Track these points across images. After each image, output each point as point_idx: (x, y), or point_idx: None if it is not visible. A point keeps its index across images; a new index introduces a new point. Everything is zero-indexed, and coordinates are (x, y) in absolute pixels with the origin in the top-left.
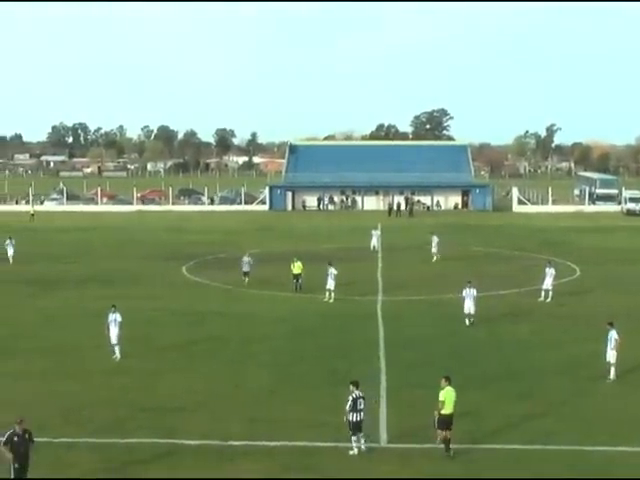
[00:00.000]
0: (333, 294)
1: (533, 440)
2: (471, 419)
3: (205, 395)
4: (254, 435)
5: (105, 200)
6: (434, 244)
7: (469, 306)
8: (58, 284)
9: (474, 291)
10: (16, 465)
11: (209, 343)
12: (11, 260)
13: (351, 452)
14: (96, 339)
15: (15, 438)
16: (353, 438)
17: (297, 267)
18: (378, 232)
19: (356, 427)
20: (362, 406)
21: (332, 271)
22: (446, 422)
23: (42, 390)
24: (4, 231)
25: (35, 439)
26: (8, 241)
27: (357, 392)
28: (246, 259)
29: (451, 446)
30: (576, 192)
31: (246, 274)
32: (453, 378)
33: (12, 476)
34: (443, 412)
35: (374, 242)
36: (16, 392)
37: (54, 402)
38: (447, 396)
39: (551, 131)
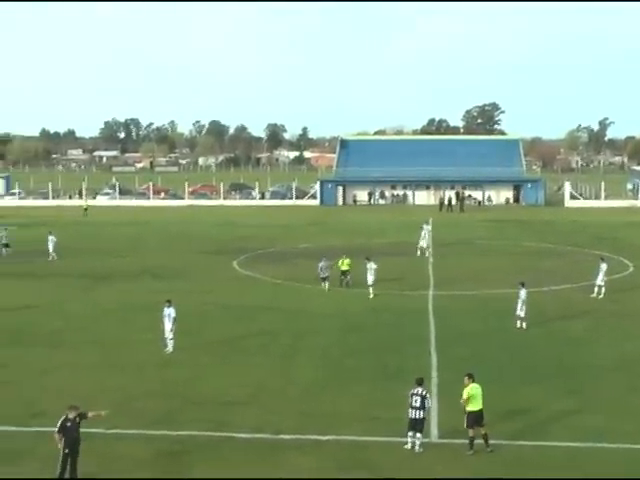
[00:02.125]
0: (372, 289)
1: (585, 438)
2: (522, 416)
3: (256, 389)
4: (305, 429)
5: (162, 195)
6: (425, 235)
7: (520, 308)
8: (110, 278)
9: (523, 292)
10: (66, 450)
11: (260, 337)
12: (51, 257)
13: (405, 446)
14: (148, 332)
15: (68, 424)
16: (409, 433)
17: (345, 264)
18: (429, 227)
19: (409, 423)
20: (417, 404)
21: (371, 266)
22: (476, 419)
23: (94, 382)
24: (56, 225)
25: (88, 430)
26: (50, 236)
27: (417, 389)
28: (323, 264)
29: (491, 441)
30: (629, 187)
31: (325, 279)
32: (504, 374)
33: (60, 461)
34: (470, 409)
35: (424, 238)
36: (69, 383)
37: (106, 394)
38: (472, 393)
39: (604, 125)
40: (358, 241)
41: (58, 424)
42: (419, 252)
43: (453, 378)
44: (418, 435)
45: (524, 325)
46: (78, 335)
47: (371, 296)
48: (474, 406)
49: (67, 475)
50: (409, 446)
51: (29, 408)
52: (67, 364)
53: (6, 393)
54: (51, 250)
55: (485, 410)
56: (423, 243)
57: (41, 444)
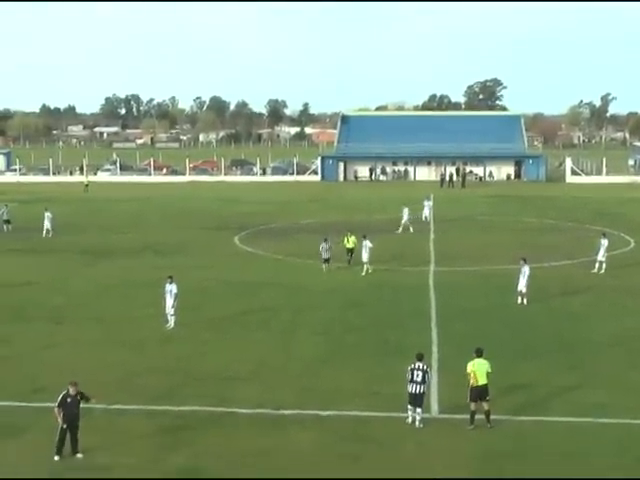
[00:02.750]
0: (367, 266)
1: (584, 413)
2: (522, 391)
3: (257, 364)
4: (306, 404)
5: (163, 171)
6: (405, 215)
7: (522, 284)
8: (112, 254)
9: (527, 269)
10: (64, 425)
11: (261, 313)
12: (47, 233)
13: (407, 420)
14: (149, 308)
15: (68, 400)
16: (409, 407)
17: (351, 241)
18: (430, 202)
19: (411, 398)
20: (419, 379)
21: (367, 244)
22: (478, 393)
23: (96, 358)
24: (57, 201)
25: (90, 405)
26: (46, 213)
27: (417, 364)
28: (324, 245)
29: (492, 417)
30: (631, 162)
31: (326, 261)
32: (505, 350)
33: (57, 435)
34: (473, 384)
35: (426, 213)
36: (70, 359)
37: (108, 370)
38: (476, 368)
39: (606, 100)
40: (359, 217)
41: (59, 399)
42: (401, 229)
43: (453, 353)
44: (419, 410)
45: (525, 301)
46: (80, 311)
47: (363, 273)
48: (477, 381)
49: (64, 450)
50: (410, 420)
51: (31, 383)
52: (69, 340)
53: (8, 369)
54: (47, 227)
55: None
56: (424, 216)
57: (42, 419)
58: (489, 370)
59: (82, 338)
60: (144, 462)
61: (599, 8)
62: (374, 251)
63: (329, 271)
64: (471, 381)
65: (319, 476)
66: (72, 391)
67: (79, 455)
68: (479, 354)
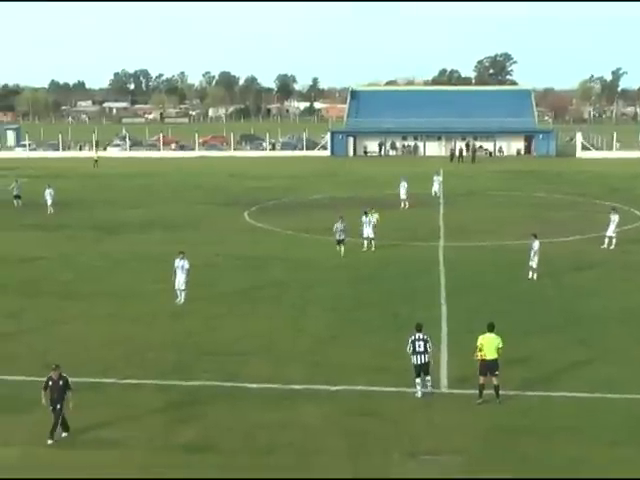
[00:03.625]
0: (368, 242)
1: (593, 388)
2: (531, 366)
3: (267, 339)
4: (315, 379)
5: (173, 146)
6: (403, 190)
7: (532, 259)
8: (122, 229)
9: (537, 244)
10: (50, 408)
11: (271, 288)
12: (50, 209)
13: (416, 394)
14: (160, 283)
15: (50, 383)
16: (417, 380)
17: (375, 218)
18: (440, 178)
19: (418, 369)
20: (421, 349)
21: (370, 219)
22: (489, 367)
23: (107, 333)
24: (66, 177)
25: (101, 380)
26: (48, 190)
27: (417, 334)
28: (339, 225)
29: (501, 392)
30: None
31: (340, 242)
32: (514, 324)
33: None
34: (482, 357)
35: (435, 188)
36: (82, 334)
37: (119, 344)
38: (485, 342)
39: (617, 75)
40: (369, 192)
41: (44, 382)
42: (402, 205)
43: (463, 328)
44: (428, 378)
45: (535, 276)
46: (90, 286)
47: (364, 249)
48: (485, 355)
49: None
50: (419, 394)
51: (41, 358)
52: (79, 315)
53: (18, 343)
54: (49, 203)
55: (499, 360)
56: (434, 191)
57: None
58: (499, 345)
59: (92, 313)
60: (154, 436)
61: None
62: (384, 226)
63: (344, 253)
64: (479, 354)
65: (328, 450)
66: (54, 375)
67: (64, 434)
68: (490, 329)
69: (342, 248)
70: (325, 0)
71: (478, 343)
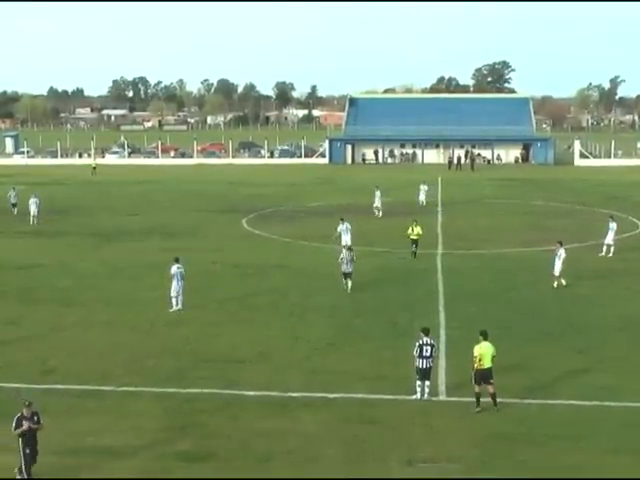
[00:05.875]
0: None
1: (592, 396)
2: (529, 373)
3: (265, 347)
4: (313, 387)
5: (171, 153)
6: (377, 198)
7: (557, 267)
8: (120, 236)
9: (562, 252)
10: (27, 450)
11: (269, 295)
12: (33, 219)
13: (414, 396)
14: (158, 290)
15: (23, 422)
16: (418, 383)
17: (415, 233)
18: (426, 187)
19: (421, 373)
20: (428, 353)
21: (347, 226)
22: (484, 376)
23: (105, 340)
24: (65, 184)
25: (98, 387)
26: (33, 199)
27: (425, 339)
28: (346, 255)
29: (499, 399)
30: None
31: (347, 276)
32: (512, 332)
33: (23, 463)
34: (480, 367)
35: (422, 197)
36: (81, 342)
37: (117, 352)
38: (483, 351)
39: (615, 83)
40: (366, 200)
41: (14, 422)
42: (377, 212)
43: (461, 336)
44: (427, 383)
45: (563, 282)
46: (88, 293)
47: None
48: (483, 364)
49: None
50: (419, 396)
51: (40, 365)
52: (77, 322)
53: (17, 350)
54: (32, 213)
55: (493, 368)
56: (420, 200)
57: (51, 401)
58: (494, 354)
59: (91, 320)
60: (152, 444)
61: None
62: (381, 234)
63: (351, 291)
64: (476, 364)
65: (326, 458)
66: (26, 412)
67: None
68: (485, 337)
69: (349, 282)
70: (323, 8)
71: (476, 353)
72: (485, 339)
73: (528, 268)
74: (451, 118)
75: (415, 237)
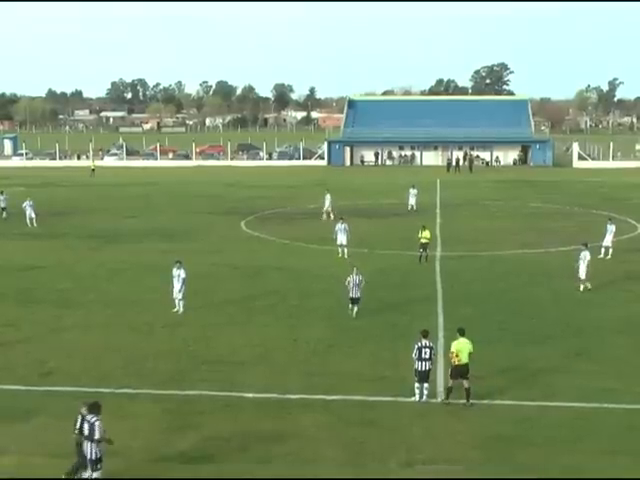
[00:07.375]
0: (343, 250)
1: (590, 398)
2: (528, 375)
3: (264, 349)
4: (312, 389)
5: (170, 155)
6: (327, 202)
7: (582, 270)
8: (119, 238)
9: (587, 254)
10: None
11: (268, 297)
12: (30, 223)
13: (412, 398)
14: (157, 292)
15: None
16: (416, 385)
17: (424, 236)
18: (415, 191)
19: (420, 376)
20: (427, 356)
21: (345, 227)
22: (460, 372)
23: (104, 341)
24: (63, 186)
25: (97, 389)
26: (27, 202)
27: (424, 341)
28: (354, 278)
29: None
30: (638, 147)
31: (355, 302)
32: (510, 334)
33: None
34: (457, 362)
35: (412, 201)
36: (79, 343)
37: (116, 353)
38: (459, 348)
39: (613, 85)
40: (365, 202)
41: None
42: (325, 216)
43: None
44: (426, 385)
45: (588, 285)
46: (87, 295)
47: (340, 255)
48: (460, 360)
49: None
50: (417, 398)
51: (39, 367)
52: (76, 324)
53: (16, 352)
54: (30, 216)
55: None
56: (410, 205)
57: (50, 403)
58: (471, 350)
59: (89, 322)
60: (151, 446)
61: None
62: (380, 236)
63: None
64: (454, 360)
65: (325, 460)
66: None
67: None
68: (462, 333)
69: (355, 308)
70: (322, 10)
71: (453, 349)
72: (462, 335)
73: (527, 270)
74: (450, 120)
75: (425, 241)
